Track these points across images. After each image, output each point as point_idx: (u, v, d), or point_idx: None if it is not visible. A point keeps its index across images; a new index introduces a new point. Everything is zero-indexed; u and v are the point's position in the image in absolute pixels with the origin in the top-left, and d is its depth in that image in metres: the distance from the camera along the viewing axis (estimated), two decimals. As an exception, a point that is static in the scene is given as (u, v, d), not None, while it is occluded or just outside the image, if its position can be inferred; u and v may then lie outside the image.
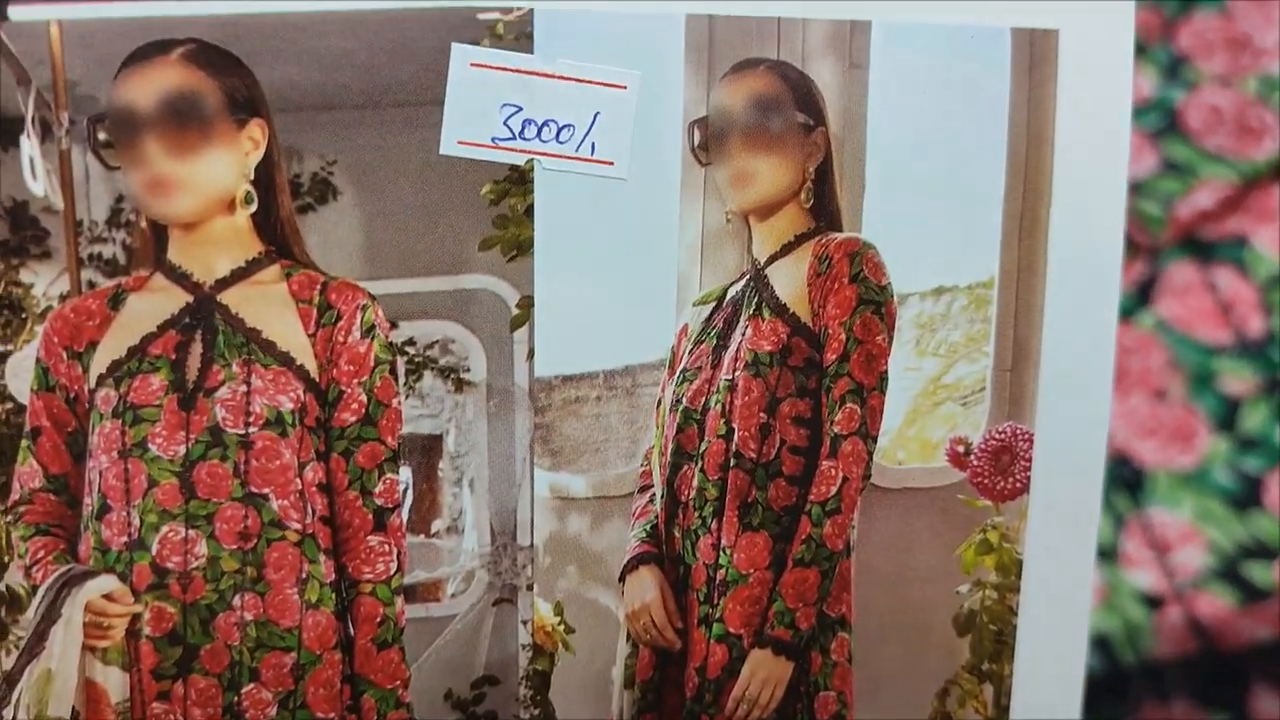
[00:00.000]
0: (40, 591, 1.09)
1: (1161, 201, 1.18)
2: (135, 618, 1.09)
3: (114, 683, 1.09)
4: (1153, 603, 1.09)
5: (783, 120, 1.22)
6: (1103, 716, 1.10)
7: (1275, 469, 1.11)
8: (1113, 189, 1.15)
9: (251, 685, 1.10)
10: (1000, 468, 1.25)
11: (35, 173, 1.18)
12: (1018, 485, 1.24)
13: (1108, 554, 1.12)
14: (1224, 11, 1.21)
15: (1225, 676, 1.07)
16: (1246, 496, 1.11)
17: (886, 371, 1.20)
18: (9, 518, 1.16)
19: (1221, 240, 1.21)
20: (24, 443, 1.15)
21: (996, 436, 1.25)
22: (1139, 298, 1.20)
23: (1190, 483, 1.12)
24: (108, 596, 1.08)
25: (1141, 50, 1.22)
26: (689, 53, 1.24)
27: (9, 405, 1.20)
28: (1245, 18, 1.20)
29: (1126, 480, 1.13)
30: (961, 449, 1.27)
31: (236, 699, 1.10)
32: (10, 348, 1.21)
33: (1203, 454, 1.13)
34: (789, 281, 1.22)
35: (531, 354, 1.24)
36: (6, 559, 1.21)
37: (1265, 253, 1.17)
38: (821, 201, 1.24)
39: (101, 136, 1.12)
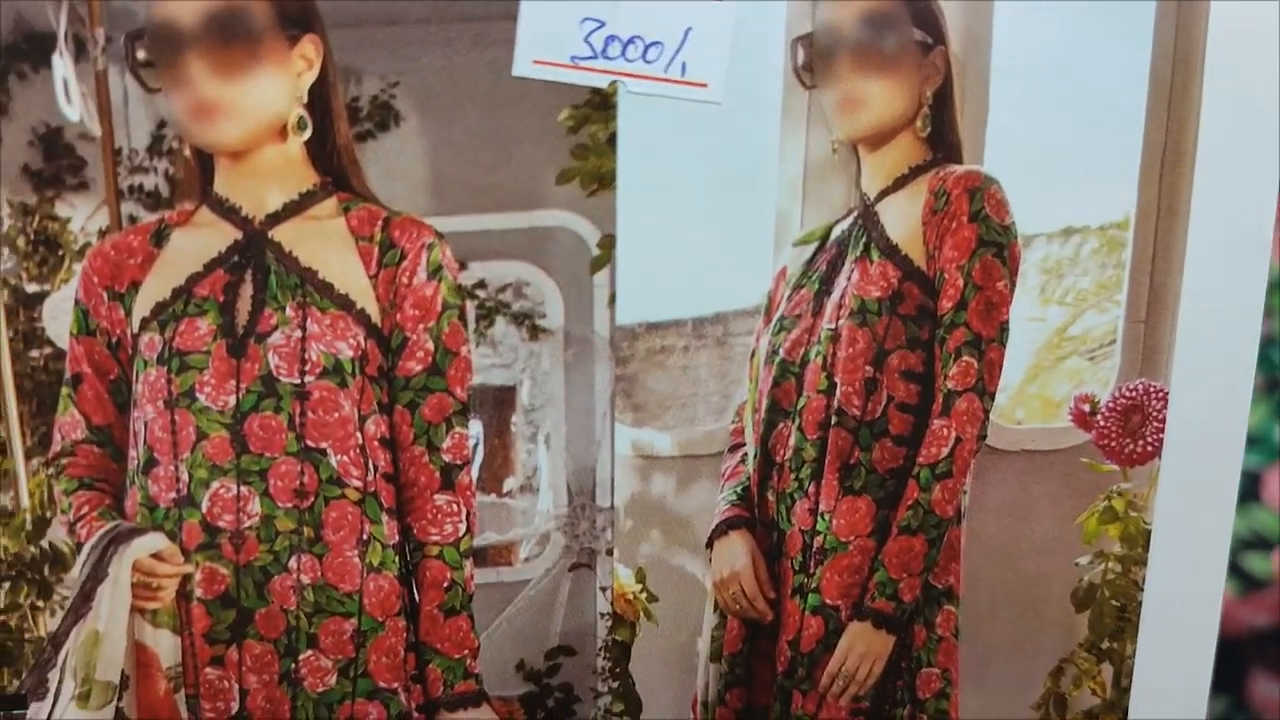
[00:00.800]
0: (85, 549, 1.06)
1: None
2: (186, 579, 1.06)
3: (165, 646, 1.06)
4: None
5: (897, 38, 1.14)
6: None
7: (1274, 465, 1.11)
8: (1267, 119, 1.05)
9: (310, 652, 1.07)
10: (1130, 429, 1.19)
11: (69, 96, 1.13)
12: (1148, 448, 1.19)
13: None
14: None
15: (1225, 663, 1.10)
16: (1246, 491, 1.12)
17: (1007, 321, 1.13)
18: (50, 471, 1.13)
19: None
20: (64, 391, 1.11)
21: (1127, 394, 1.19)
22: None
23: None
24: (156, 556, 1.04)
25: None
26: (794, -38, 1.19)
27: (48, 350, 1.17)
28: None
29: None
30: (1087, 408, 1.21)
31: (294, 666, 1.07)
32: (47, 288, 1.17)
33: None
34: (901, 220, 1.15)
35: (613, 299, 1.20)
36: (49, 514, 1.19)
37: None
38: (939, 130, 1.16)
39: (141, 55, 1.06)
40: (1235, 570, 1.12)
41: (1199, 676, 1.13)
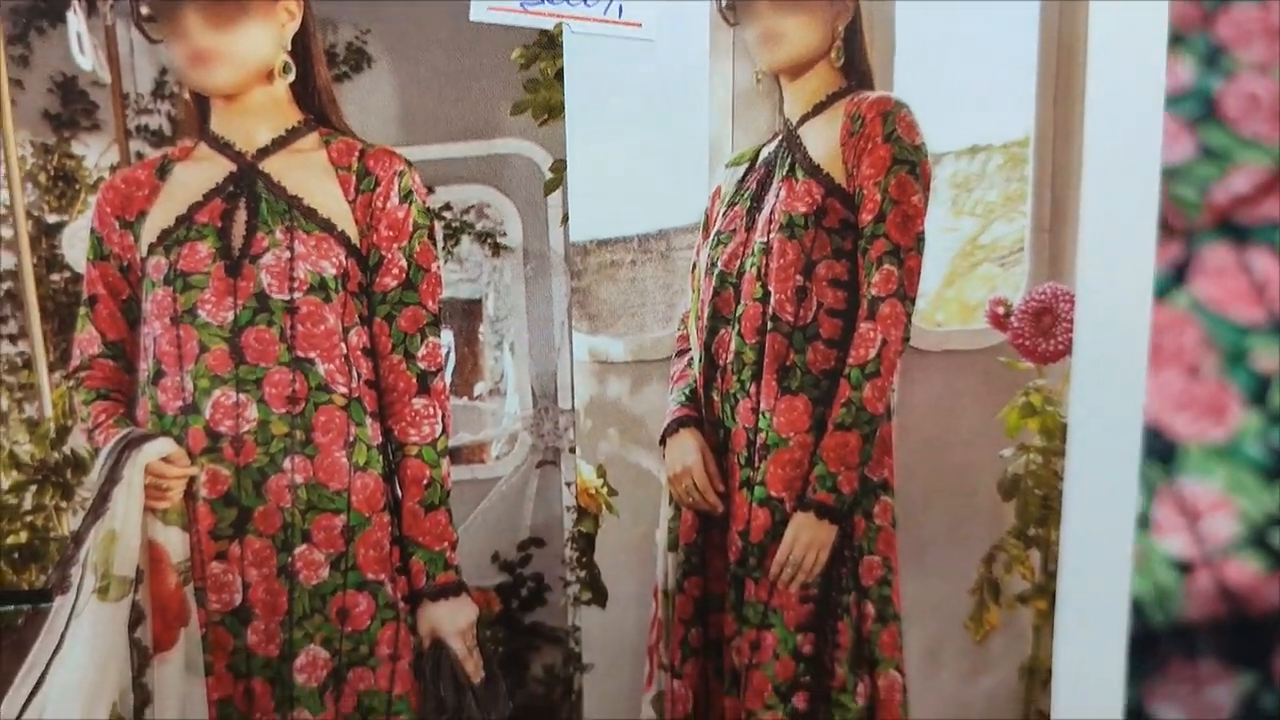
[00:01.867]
0: (102, 455, 1.21)
1: (1198, 186, 1.15)
2: (192, 480, 1.20)
3: (174, 543, 1.21)
4: (1183, 568, 1.11)
5: None
6: (1133, 673, 1.11)
7: None
8: (1152, 44, 1.20)
9: (304, 546, 1.22)
10: (1042, 329, 1.34)
11: (83, 47, 1.28)
12: (1060, 347, 1.33)
13: (1140, 522, 1.15)
14: (1263, 2, 1.17)
15: (1252, 640, 1.09)
16: (1277, 468, 1.13)
17: (923, 232, 1.27)
18: (70, 383, 1.28)
19: (1257, 224, 1.18)
20: (82, 311, 1.26)
21: (1037, 297, 1.33)
22: (1174, 278, 1.17)
23: (1222, 455, 1.13)
24: (166, 459, 1.19)
25: (1180, 40, 1.17)
26: (715, -89, 1.31)
27: (66, 274, 1.32)
28: None
29: (1159, 452, 1.15)
30: (1001, 310, 1.35)
31: (290, 559, 1.22)
32: (65, 218, 1.32)
33: (1234, 428, 1.13)
34: (822, 142, 1.29)
35: (566, 218, 1.34)
36: (70, 423, 1.34)
37: None
38: (852, 60, 1.30)
39: (144, 11, 1.22)
40: (1262, 547, 1.11)
41: (1120, 560, 1.25)
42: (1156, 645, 1.10)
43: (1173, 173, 1.17)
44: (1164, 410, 1.15)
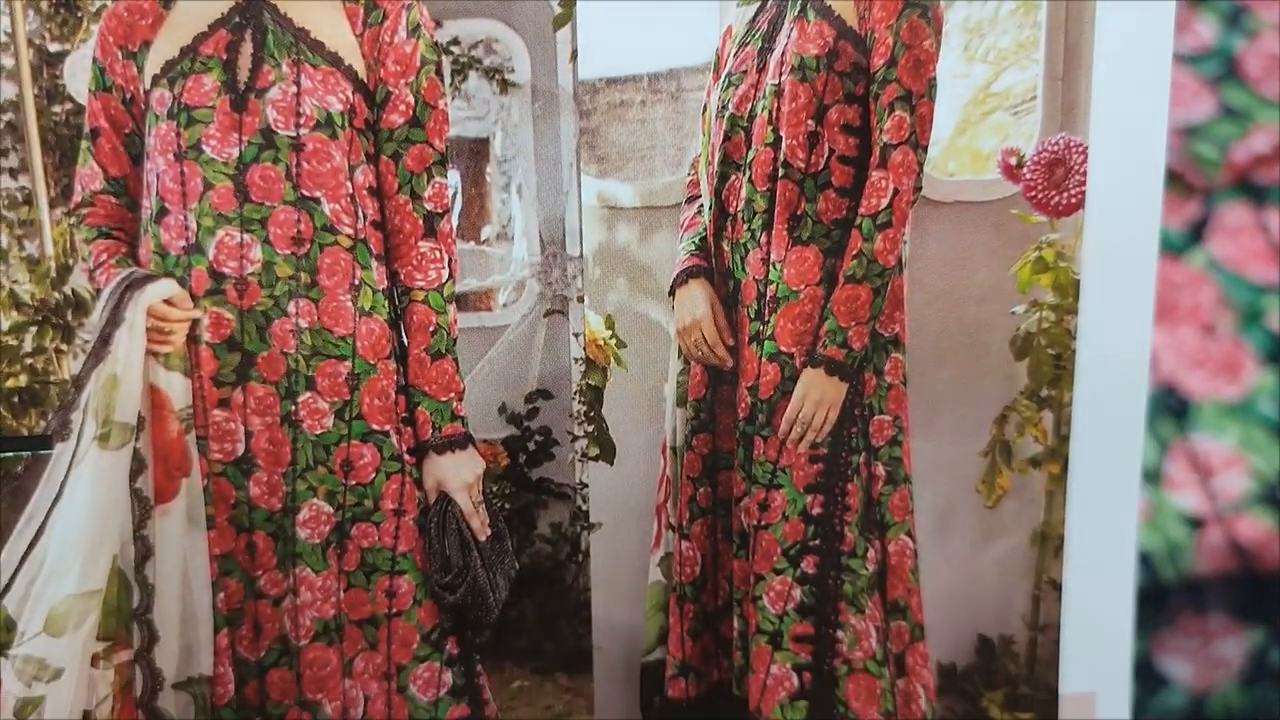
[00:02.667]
0: (104, 295, 1.25)
1: (1218, 145, 1.24)
2: (194, 323, 1.25)
3: (176, 389, 1.25)
4: (1194, 524, 1.18)
5: None
6: (1142, 626, 1.19)
7: None
8: None
9: (308, 394, 1.27)
10: (1054, 181, 1.38)
11: None
12: (1073, 200, 1.38)
13: (1152, 477, 1.21)
14: None
15: (1262, 595, 1.15)
16: None
17: (935, 78, 1.30)
18: (72, 220, 1.32)
19: (1276, 184, 1.27)
20: (84, 144, 1.30)
21: (1049, 148, 1.38)
22: (1191, 237, 1.26)
23: (1236, 412, 1.20)
24: (168, 301, 1.23)
25: (1202, 0, 1.27)
26: None
27: (68, 106, 1.36)
28: None
29: (1172, 408, 1.22)
30: (1014, 161, 1.39)
31: (294, 408, 1.26)
32: (67, 47, 1.35)
33: (1249, 386, 1.21)
34: None
35: (575, 55, 1.38)
36: (71, 262, 1.38)
37: None
38: None
39: None
40: (1274, 504, 1.18)
41: (1134, 423, 1.27)
42: (1166, 599, 1.18)
43: (1193, 131, 1.26)
44: (1178, 368, 1.24)
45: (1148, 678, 1.22)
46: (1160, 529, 1.20)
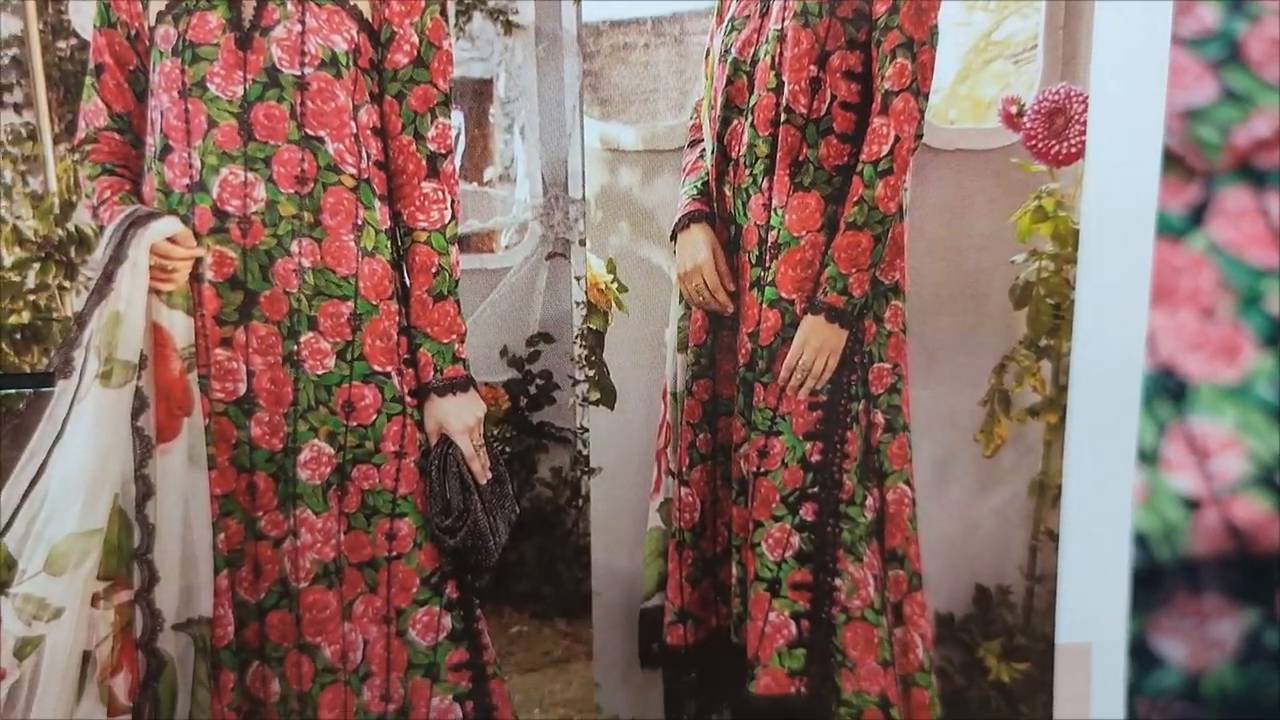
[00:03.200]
0: (107, 232, 1.25)
1: (1219, 128, 1.25)
2: (197, 262, 1.25)
3: (179, 327, 1.26)
4: (1191, 505, 1.18)
5: None
6: (1137, 606, 1.20)
7: None
8: None
9: (310, 334, 1.27)
10: (1054, 130, 1.39)
11: None
12: (1073, 150, 1.38)
13: (1149, 458, 1.22)
14: None
15: (1258, 577, 1.16)
16: None
17: (937, 25, 1.31)
18: (76, 156, 1.32)
19: (1277, 168, 1.27)
20: (88, 80, 1.30)
21: (1050, 97, 1.38)
22: (1192, 220, 1.27)
23: (1234, 395, 1.21)
24: (171, 239, 1.24)
25: None
26: None
27: (73, 41, 1.36)
28: None
29: (1170, 390, 1.23)
30: (1014, 109, 1.40)
31: (296, 347, 1.27)
32: None
33: (1247, 369, 1.21)
34: None
35: None
36: (75, 199, 1.38)
37: None
38: None
39: None
40: (1271, 486, 1.18)
41: (1132, 371, 1.27)
42: (1162, 580, 1.19)
43: (1194, 114, 1.26)
44: (1177, 350, 1.25)
45: (1143, 657, 1.22)
46: (1157, 510, 1.20)
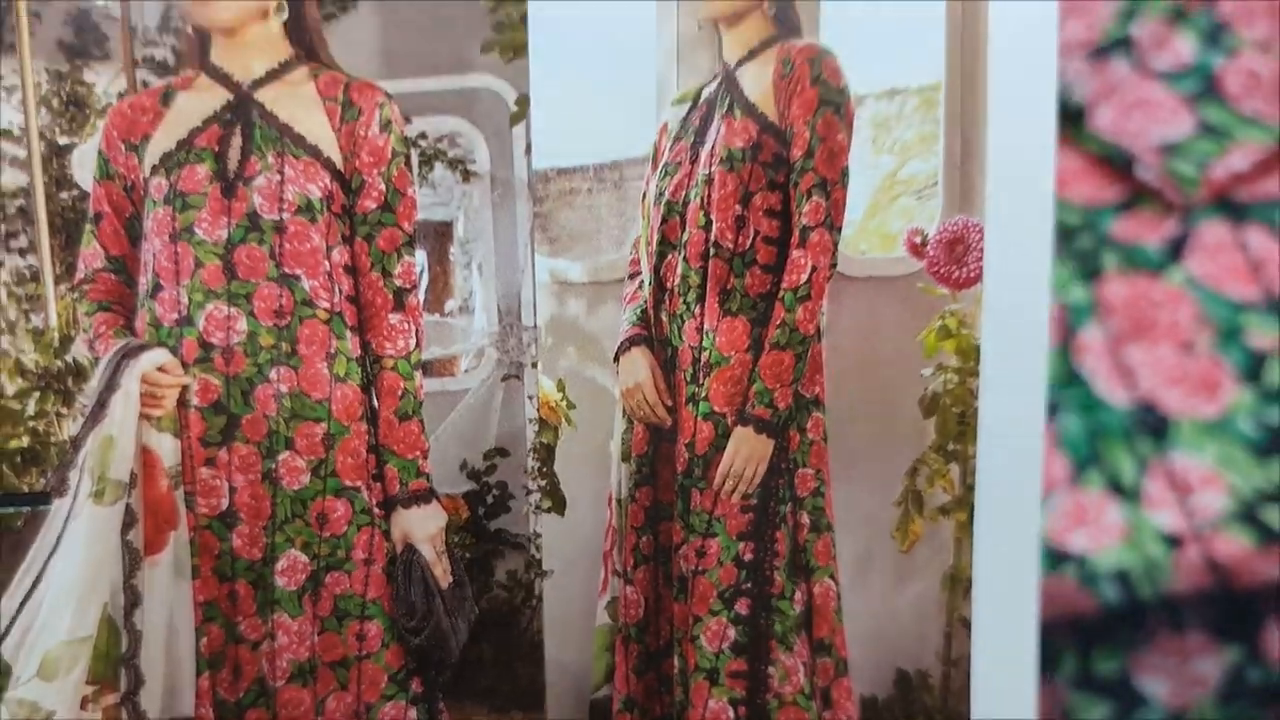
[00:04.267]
0: (102, 363, 1.33)
1: (1197, 162, 1.14)
2: (184, 388, 1.33)
3: (166, 449, 1.33)
4: (1172, 542, 1.09)
5: None
6: (1119, 645, 1.09)
7: None
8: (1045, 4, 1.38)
9: (287, 453, 1.35)
10: (955, 257, 1.48)
11: None
12: (972, 274, 1.48)
13: (1130, 495, 1.10)
14: None
15: (1240, 613, 1.08)
16: (1268, 445, 1.13)
17: (847, 167, 1.42)
18: (75, 295, 1.40)
19: (1255, 201, 1.16)
20: (88, 227, 1.39)
21: (950, 229, 1.48)
22: (1171, 254, 1.15)
23: (1214, 430, 1.12)
24: (161, 368, 1.32)
25: (1182, 16, 1.16)
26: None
27: (75, 192, 1.45)
28: None
29: (1151, 426, 1.12)
30: (918, 240, 1.50)
31: (274, 465, 1.35)
32: (75, 140, 1.45)
33: (1227, 404, 1.11)
34: (757, 83, 1.45)
35: (529, 148, 1.48)
36: (73, 333, 1.45)
37: None
38: (783, 11, 1.46)
39: None
40: (1253, 522, 1.09)
41: (1032, 474, 1.37)
42: (1144, 617, 1.09)
43: (1172, 149, 1.15)
44: (1157, 385, 1.12)
45: (1125, 696, 1.10)
46: (1138, 547, 1.09)
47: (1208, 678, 1.07)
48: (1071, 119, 1.20)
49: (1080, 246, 1.19)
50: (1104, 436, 1.13)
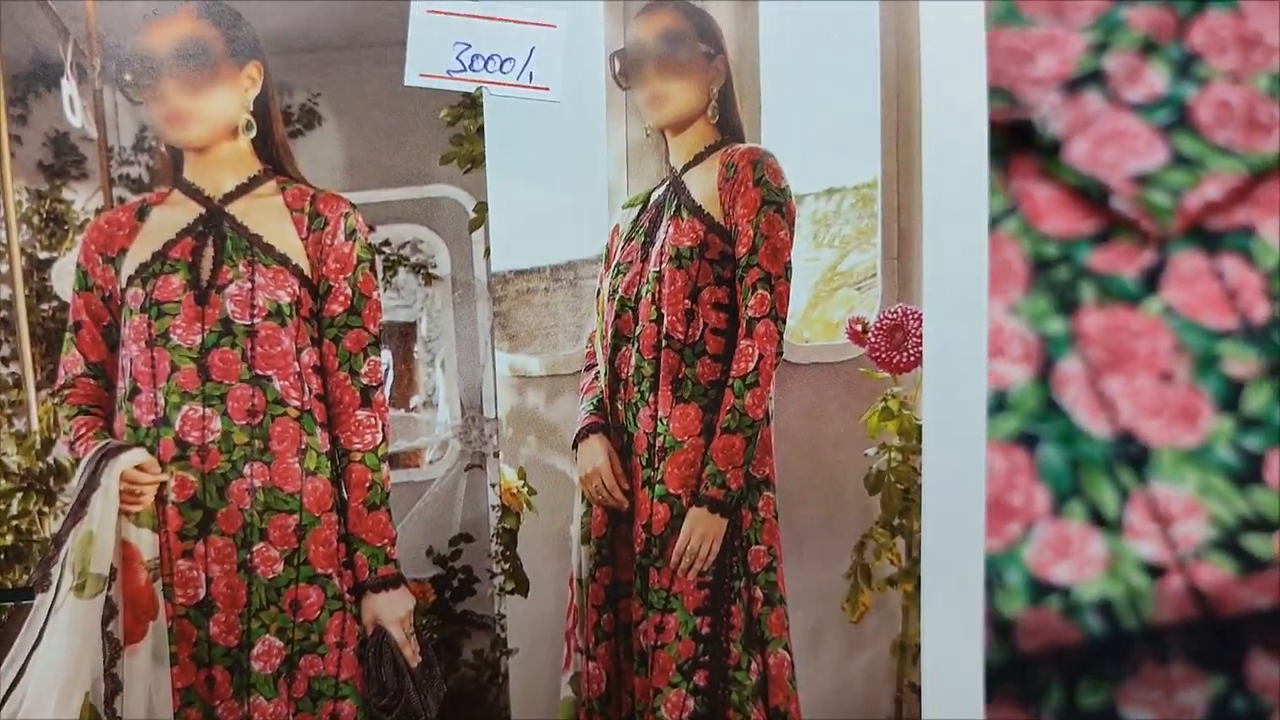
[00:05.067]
0: (82, 464, 1.37)
1: (1170, 193, 1.24)
2: (162, 485, 1.37)
3: (145, 543, 1.36)
4: (1155, 571, 1.12)
5: (688, 50, 1.52)
6: (1104, 676, 1.13)
7: (1276, 447, 1.16)
8: (975, 96, 1.32)
9: (261, 544, 1.39)
10: (895, 343, 1.52)
11: (74, 109, 1.47)
12: (911, 358, 1.52)
13: (1112, 525, 1.16)
14: (1236, 10, 1.28)
15: (1223, 642, 1.10)
16: (1248, 473, 1.15)
17: (790, 262, 1.48)
18: (55, 400, 1.44)
19: (1229, 230, 1.26)
20: (67, 335, 1.43)
21: (889, 316, 1.52)
22: (1147, 284, 1.25)
23: (1194, 459, 1.16)
24: (139, 467, 1.36)
25: (1154, 48, 1.29)
26: (607, -6, 1.52)
27: (54, 303, 1.47)
28: (1257, 16, 1.28)
29: (1132, 456, 1.18)
30: (859, 327, 1.54)
31: (249, 556, 1.39)
32: (55, 255, 1.48)
33: (1206, 432, 1.18)
34: (702, 186, 1.51)
35: (488, 252, 1.53)
36: (54, 436, 1.47)
37: (1271, 242, 1.24)
38: (725, 117, 1.53)
39: (127, 78, 1.41)
40: (1235, 551, 1.13)
41: (974, 544, 1.25)
42: (1129, 648, 1.12)
43: (1146, 179, 1.25)
44: (1137, 416, 1.20)
45: None
46: (1121, 578, 1.14)
47: (1193, 708, 1.12)
48: (1047, 152, 1.32)
49: (1058, 278, 1.29)
50: (1085, 467, 1.20)
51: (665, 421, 1.51)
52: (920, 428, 1.45)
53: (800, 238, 1.51)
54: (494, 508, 1.57)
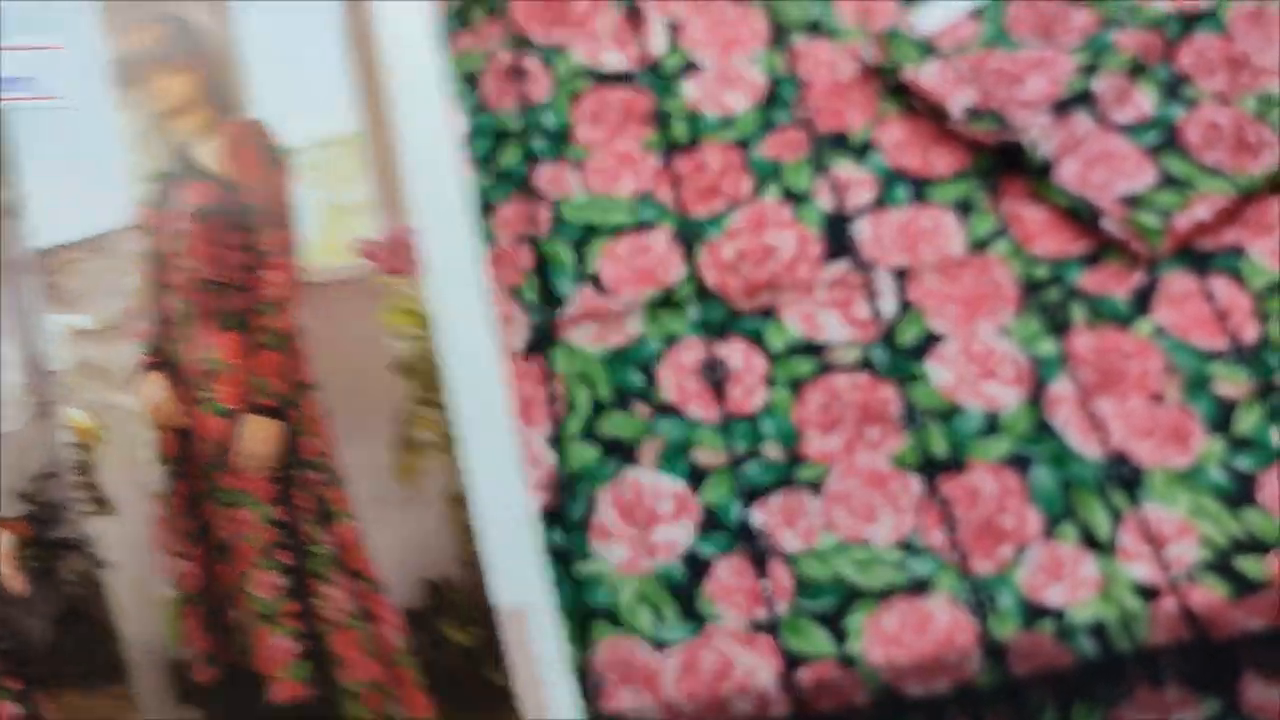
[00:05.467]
0: None
1: (1160, 214, 1.23)
2: None
3: None
4: (1148, 594, 1.12)
5: (176, 50, 1.69)
6: (1098, 699, 1.10)
7: (1270, 468, 1.16)
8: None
9: None
10: (399, 255, 1.71)
11: None
12: (414, 264, 1.69)
13: (1105, 548, 1.15)
14: (1224, 32, 1.29)
15: (1217, 664, 1.08)
16: (1240, 494, 1.16)
17: (292, 204, 1.70)
18: None
19: (1219, 251, 1.27)
20: None
21: (393, 234, 1.73)
22: (1138, 305, 1.25)
23: (1185, 480, 1.17)
24: None
25: (1143, 70, 1.28)
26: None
27: None
28: (1244, 38, 1.28)
29: (1124, 478, 1.18)
30: (370, 247, 1.74)
31: None
32: None
33: (1198, 453, 1.19)
34: (210, 155, 1.70)
35: (32, 233, 1.68)
36: None
37: (1261, 263, 1.24)
38: (219, 93, 1.72)
39: None
40: (1228, 573, 1.12)
41: (494, 396, 1.48)
42: (1122, 671, 1.10)
43: (1135, 200, 1.24)
44: (1129, 437, 1.20)
45: None
46: (1114, 600, 1.12)
47: (1189, 731, 1.02)
48: (1037, 173, 1.34)
49: (1049, 299, 1.30)
50: (1077, 489, 1.20)
51: (212, 349, 1.70)
52: (428, 317, 1.66)
53: (303, 184, 1.72)
54: (69, 445, 1.73)
